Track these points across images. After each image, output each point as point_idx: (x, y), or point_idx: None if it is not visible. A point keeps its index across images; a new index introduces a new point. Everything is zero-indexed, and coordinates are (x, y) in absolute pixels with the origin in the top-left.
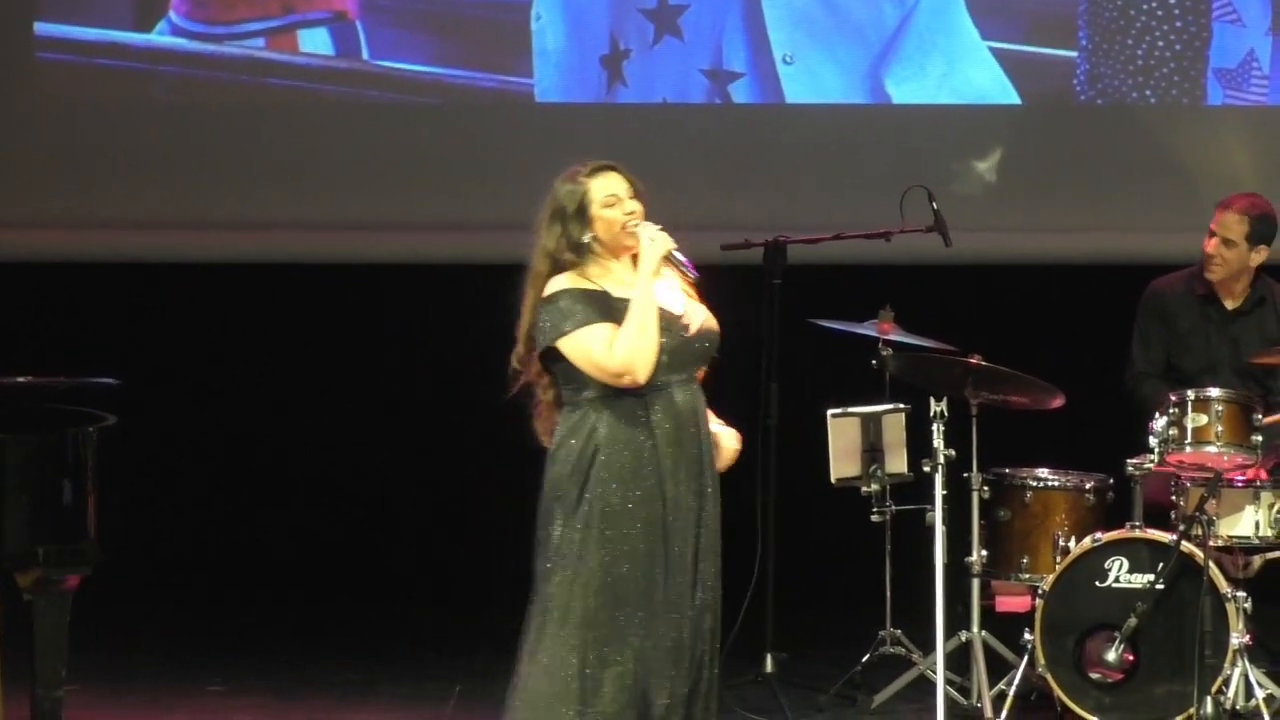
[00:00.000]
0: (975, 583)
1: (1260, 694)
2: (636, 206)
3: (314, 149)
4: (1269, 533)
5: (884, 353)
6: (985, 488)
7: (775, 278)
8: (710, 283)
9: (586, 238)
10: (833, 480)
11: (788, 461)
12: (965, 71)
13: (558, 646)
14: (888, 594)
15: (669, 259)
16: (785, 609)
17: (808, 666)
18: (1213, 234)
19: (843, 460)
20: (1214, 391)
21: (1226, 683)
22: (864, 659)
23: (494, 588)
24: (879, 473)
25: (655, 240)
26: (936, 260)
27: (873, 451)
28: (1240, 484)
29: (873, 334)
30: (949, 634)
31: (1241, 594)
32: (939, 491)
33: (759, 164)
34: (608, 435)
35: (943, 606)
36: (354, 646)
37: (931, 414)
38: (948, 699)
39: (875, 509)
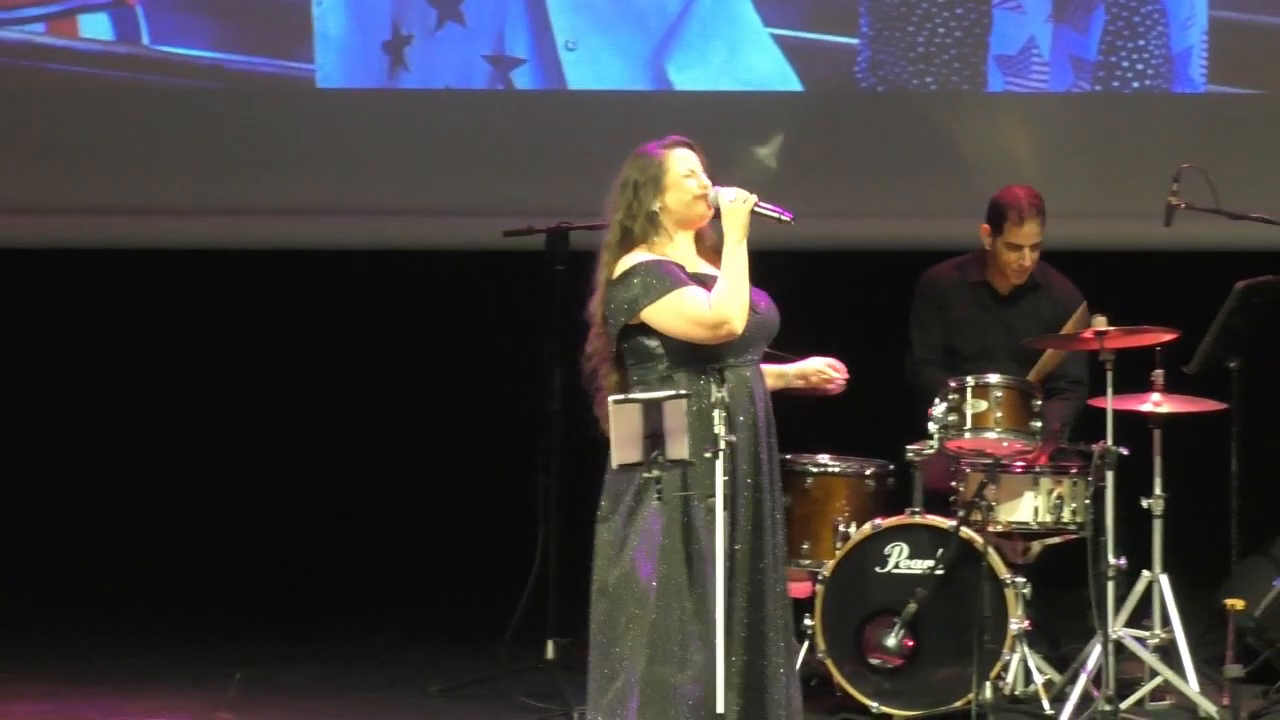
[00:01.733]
0: None
1: (1039, 679)
2: (709, 182)
3: (94, 134)
4: (1048, 519)
5: None
6: None
7: (558, 264)
8: (494, 269)
9: (656, 206)
10: (614, 466)
11: (571, 447)
12: (747, 58)
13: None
14: None
15: (757, 214)
16: (567, 594)
17: (589, 652)
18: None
19: (625, 446)
20: (994, 378)
21: (1006, 668)
22: None
23: (279, 573)
24: (660, 458)
25: (737, 199)
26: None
27: (654, 437)
28: (1020, 470)
29: None
30: None
31: (1021, 579)
32: (720, 478)
33: (542, 150)
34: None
35: (723, 592)
36: (134, 632)
37: (713, 400)
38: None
39: (658, 495)
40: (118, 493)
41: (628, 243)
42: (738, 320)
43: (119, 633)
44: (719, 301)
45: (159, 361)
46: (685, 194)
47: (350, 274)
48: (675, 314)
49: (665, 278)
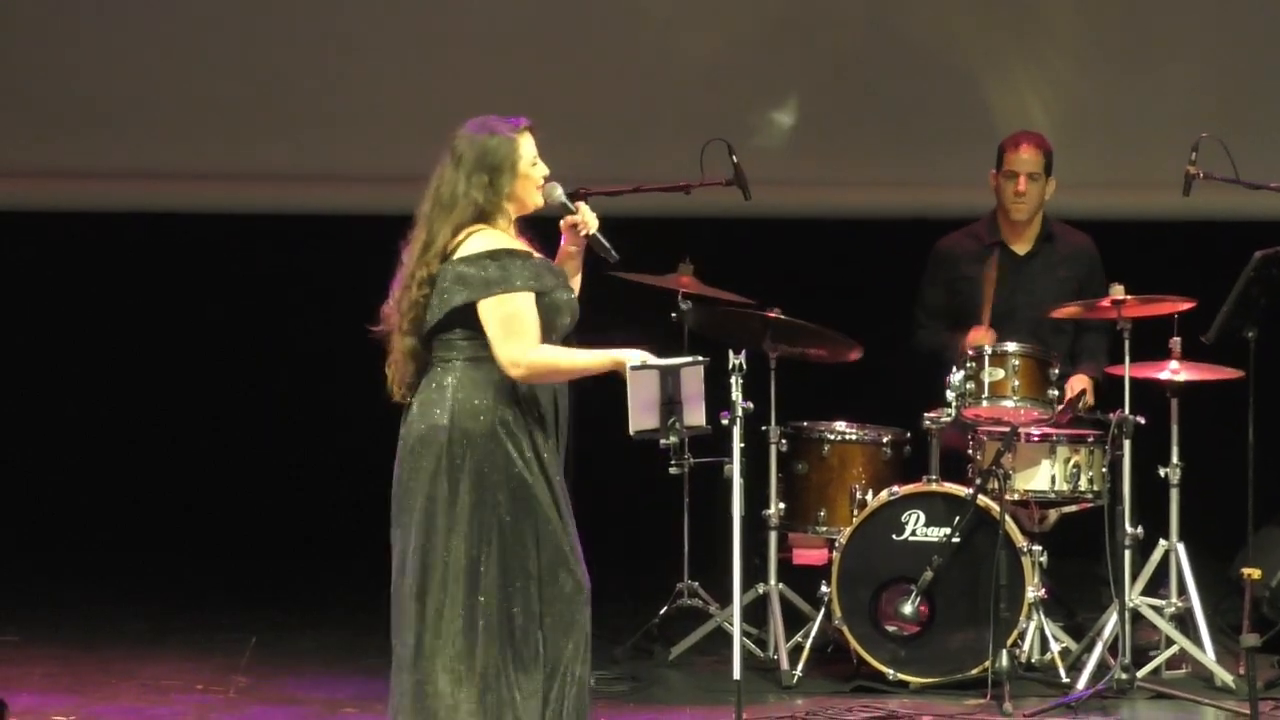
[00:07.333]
0: (773, 535)
1: (1055, 647)
2: (545, 170)
3: None
4: (1064, 487)
5: (683, 306)
6: (783, 441)
7: None
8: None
9: (508, 189)
10: (631, 433)
11: (586, 414)
12: None
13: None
14: (685, 546)
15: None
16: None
17: (605, 619)
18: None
19: (641, 413)
20: (1011, 346)
21: (1022, 636)
22: (661, 611)
23: (289, 539)
24: (677, 425)
25: (580, 220)
26: (736, 214)
27: (671, 404)
28: (1036, 438)
29: (672, 287)
30: (746, 586)
31: (1037, 548)
32: (737, 444)
33: (559, 114)
34: (526, 394)
35: (740, 559)
36: (144, 598)
37: (730, 366)
38: (744, 651)
39: (674, 461)
40: (126, 461)
41: (477, 220)
42: (529, 380)
43: (130, 599)
44: (538, 359)
45: (155, 336)
46: (529, 184)
47: (317, 240)
48: (504, 323)
49: (526, 274)
